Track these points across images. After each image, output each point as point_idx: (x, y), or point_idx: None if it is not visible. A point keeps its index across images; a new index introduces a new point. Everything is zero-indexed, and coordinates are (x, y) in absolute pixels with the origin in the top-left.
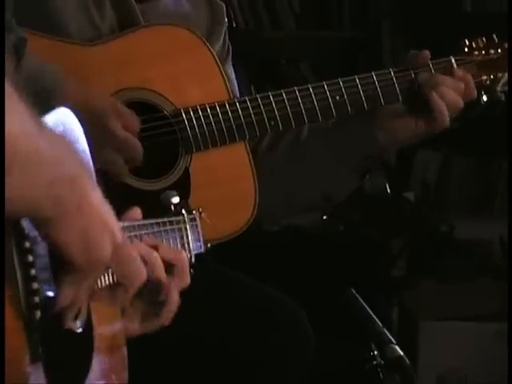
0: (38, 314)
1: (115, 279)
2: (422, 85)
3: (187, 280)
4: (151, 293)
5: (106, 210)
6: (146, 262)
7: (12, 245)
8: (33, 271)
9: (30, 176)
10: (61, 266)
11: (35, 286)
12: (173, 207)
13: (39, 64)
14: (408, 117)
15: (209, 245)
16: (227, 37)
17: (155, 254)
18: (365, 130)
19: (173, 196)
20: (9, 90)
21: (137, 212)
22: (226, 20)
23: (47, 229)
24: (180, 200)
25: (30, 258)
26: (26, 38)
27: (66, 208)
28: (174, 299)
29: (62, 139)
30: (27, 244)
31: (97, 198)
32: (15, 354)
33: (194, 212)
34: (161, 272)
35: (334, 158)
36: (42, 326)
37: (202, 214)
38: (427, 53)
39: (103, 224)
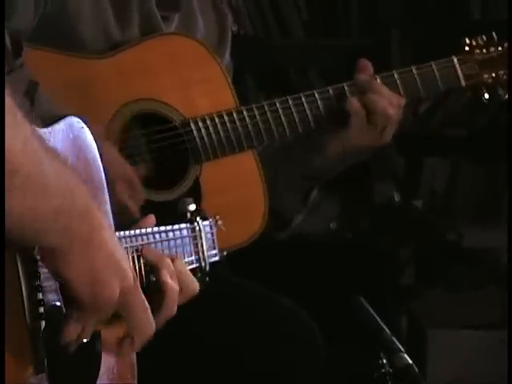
0: (43, 324)
1: (120, 332)
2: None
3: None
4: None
5: (118, 250)
6: (155, 265)
7: (16, 255)
8: (37, 281)
9: (34, 198)
10: None
11: (40, 296)
12: (189, 214)
13: (50, 108)
14: (336, 131)
15: (225, 253)
16: (229, 53)
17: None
18: (299, 152)
19: (190, 203)
20: (12, 107)
21: (151, 219)
22: (234, 29)
23: (54, 261)
24: (196, 207)
25: (35, 269)
26: (38, 83)
27: (74, 239)
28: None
29: (71, 170)
30: (32, 254)
31: (109, 236)
32: (19, 366)
33: (209, 219)
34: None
35: (277, 181)
36: (47, 337)
37: (219, 222)
38: (363, 61)
39: (114, 264)
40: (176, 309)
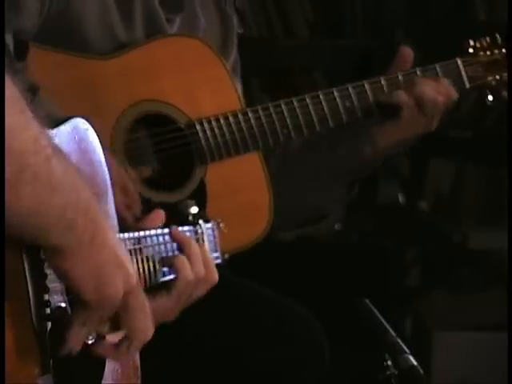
0: (49, 325)
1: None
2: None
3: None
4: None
5: (120, 250)
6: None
7: (23, 256)
8: (44, 282)
9: (41, 195)
10: None
11: (46, 297)
12: (191, 217)
13: (52, 111)
14: (387, 123)
15: (226, 256)
16: (236, 51)
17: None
18: (348, 143)
19: (191, 206)
20: (23, 107)
21: (160, 214)
22: (239, 31)
23: (59, 260)
24: (198, 210)
25: (41, 270)
26: (39, 86)
27: (79, 238)
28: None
29: (77, 169)
30: (38, 256)
31: (112, 236)
32: (25, 366)
33: (211, 222)
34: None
35: (320, 172)
36: (53, 338)
37: (221, 225)
38: (406, 49)
39: (117, 263)
40: (191, 273)
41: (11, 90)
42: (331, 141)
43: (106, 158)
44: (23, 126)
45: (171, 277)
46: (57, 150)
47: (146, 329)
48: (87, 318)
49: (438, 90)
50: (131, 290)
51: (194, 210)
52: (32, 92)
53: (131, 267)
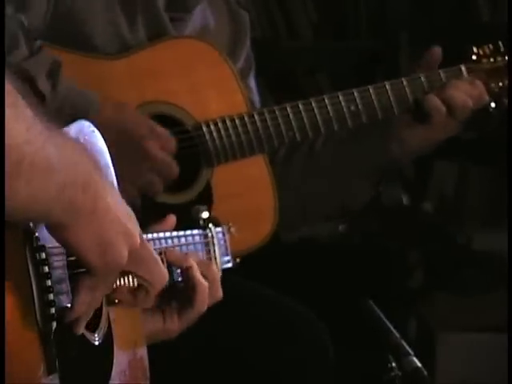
0: (54, 325)
1: (135, 283)
2: (431, 91)
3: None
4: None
5: (123, 212)
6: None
7: (27, 255)
8: (48, 282)
9: (38, 182)
10: (77, 277)
11: (51, 297)
12: (201, 221)
13: (74, 87)
14: (418, 125)
15: (237, 260)
16: (250, 49)
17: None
18: (377, 141)
19: (203, 211)
20: (14, 99)
21: (172, 219)
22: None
23: (62, 233)
24: (209, 215)
25: (46, 269)
26: (61, 62)
27: (79, 212)
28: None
29: (75, 143)
30: (42, 255)
31: (113, 201)
32: (31, 366)
33: (221, 226)
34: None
35: (347, 169)
36: (59, 338)
37: (231, 229)
38: (438, 49)
39: (119, 227)
40: (206, 304)
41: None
42: (359, 137)
43: (132, 118)
44: (13, 118)
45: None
46: (51, 129)
47: (161, 276)
48: (94, 283)
49: (470, 94)
50: (136, 247)
51: (205, 214)
52: (55, 67)
53: (134, 226)
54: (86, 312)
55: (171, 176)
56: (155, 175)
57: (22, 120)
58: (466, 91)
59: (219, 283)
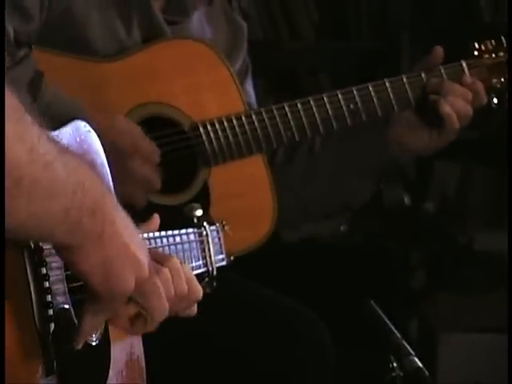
0: (52, 326)
1: (134, 312)
2: (432, 91)
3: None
4: None
5: (132, 240)
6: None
7: (25, 257)
8: (46, 284)
9: (40, 203)
10: (75, 279)
11: (48, 298)
12: (196, 220)
13: (59, 100)
14: (420, 129)
15: (231, 258)
16: (247, 55)
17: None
18: (377, 140)
19: (196, 209)
20: (19, 115)
21: (155, 220)
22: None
23: (66, 254)
24: (203, 213)
25: (44, 271)
26: (43, 72)
27: (86, 235)
28: None
29: (85, 164)
30: (40, 257)
31: (123, 226)
32: (28, 367)
33: (216, 225)
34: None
35: (347, 168)
36: (57, 339)
37: (225, 227)
38: (440, 49)
39: (127, 254)
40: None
41: (10, 99)
42: (359, 136)
43: (114, 132)
44: (18, 136)
45: None
46: (62, 151)
47: (162, 308)
48: (99, 308)
49: (467, 99)
50: (144, 277)
51: (199, 212)
52: (37, 78)
53: (144, 256)
54: (89, 334)
55: (152, 190)
56: (138, 188)
57: (27, 139)
58: (464, 96)
59: (194, 283)
